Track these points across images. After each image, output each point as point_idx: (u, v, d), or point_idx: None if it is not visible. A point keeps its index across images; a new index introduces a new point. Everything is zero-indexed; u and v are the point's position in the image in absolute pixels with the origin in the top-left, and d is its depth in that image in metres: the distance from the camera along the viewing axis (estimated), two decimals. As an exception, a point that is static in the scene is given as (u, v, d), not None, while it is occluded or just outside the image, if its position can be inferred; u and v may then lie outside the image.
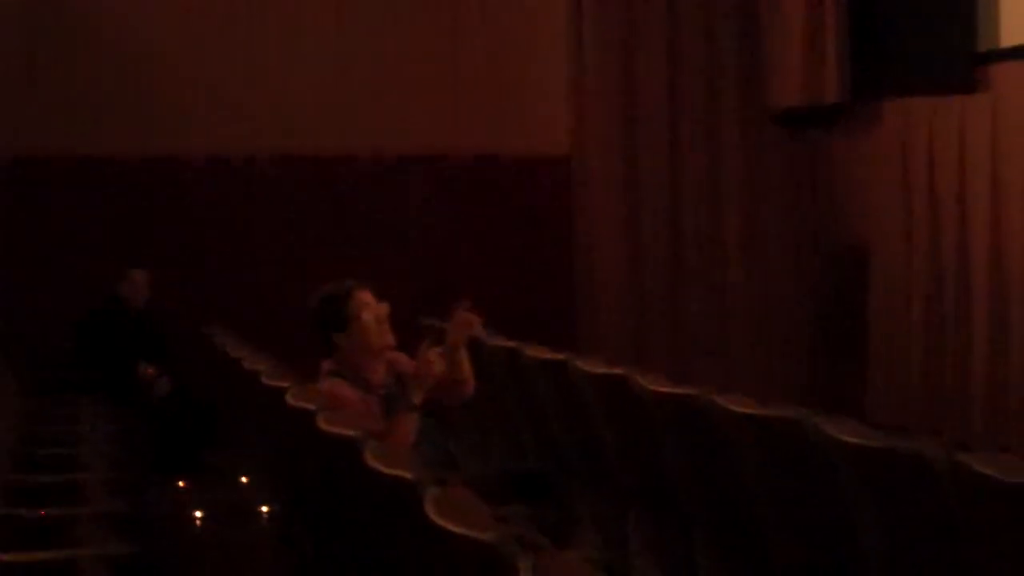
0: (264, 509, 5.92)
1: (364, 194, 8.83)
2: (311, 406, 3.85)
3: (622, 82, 9.00)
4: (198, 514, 6.31)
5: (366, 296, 4.49)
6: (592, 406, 4.91)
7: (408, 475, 2.87)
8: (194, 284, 8.39)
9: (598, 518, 5.02)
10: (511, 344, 5.74)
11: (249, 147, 8.65)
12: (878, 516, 3.36)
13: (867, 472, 3.33)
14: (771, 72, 8.87)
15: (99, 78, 8.48)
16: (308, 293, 4.64)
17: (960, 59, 8.01)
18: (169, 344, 7.77)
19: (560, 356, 5.20)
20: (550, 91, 9.01)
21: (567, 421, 5.23)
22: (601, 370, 4.80)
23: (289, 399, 4.07)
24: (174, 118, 8.55)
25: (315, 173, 8.75)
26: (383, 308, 4.51)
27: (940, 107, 8.13)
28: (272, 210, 8.72)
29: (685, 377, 7.19)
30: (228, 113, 8.61)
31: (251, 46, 8.68)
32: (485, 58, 8.96)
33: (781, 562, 3.88)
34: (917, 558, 3.29)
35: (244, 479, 6.58)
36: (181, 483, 6.96)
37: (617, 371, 4.68)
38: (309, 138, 8.67)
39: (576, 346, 8.02)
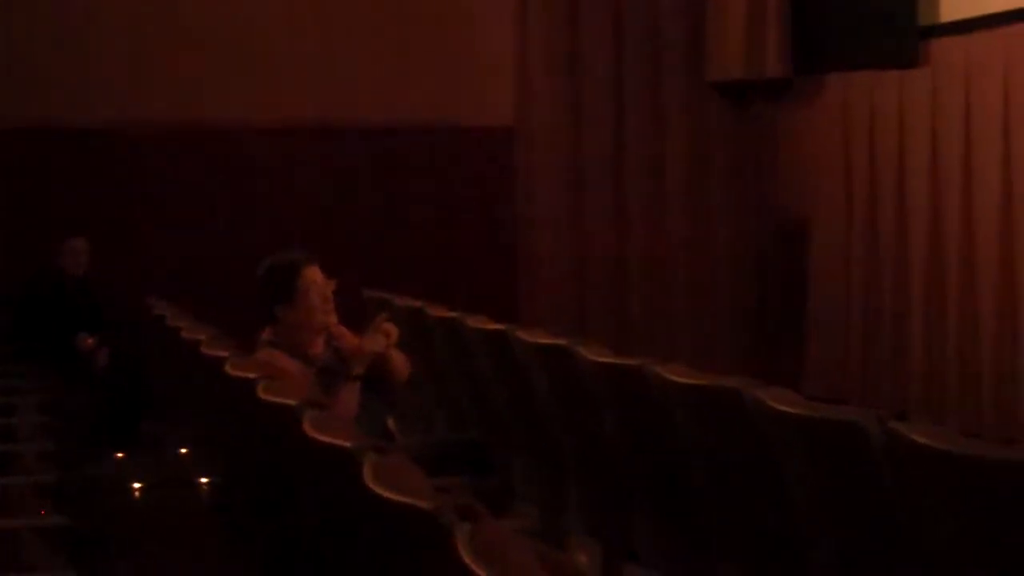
0: (203, 480, 5.90)
1: (309, 164, 8.78)
2: (251, 375, 3.83)
3: (567, 54, 8.99)
4: (136, 485, 6.28)
5: (315, 273, 4.48)
6: (533, 377, 4.92)
7: (347, 443, 2.86)
8: (134, 254, 8.32)
9: (538, 488, 5.04)
10: (453, 315, 5.74)
11: (192, 117, 8.57)
12: (813, 484, 3.39)
13: (803, 441, 3.35)
14: (714, 45, 8.89)
15: (34, 47, 8.37)
16: (251, 264, 4.61)
17: (901, 34, 8.07)
18: (108, 314, 7.71)
19: (501, 327, 5.21)
20: (495, 62, 8.99)
21: (508, 392, 5.24)
22: (542, 340, 4.81)
23: (228, 369, 4.05)
24: (114, 88, 8.45)
25: (259, 143, 8.69)
26: (330, 285, 4.50)
27: (881, 81, 8.18)
28: (214, 180, 8.66)
29: (627, 348, 7.22)
30: (172, 83, 8.52)
31: (194, 16, 8.60)
32: (431, 29, 8.92)
33: (718, 530, 3.91)
34: (851, 525, 3.32)
35: (183, 450, 6.55)
36: (119, 454, 6.92)
37: (558, 341, 4.69)
38: (255, 108, 8.60)
39: (518, 317, 8.04)
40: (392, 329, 4.58)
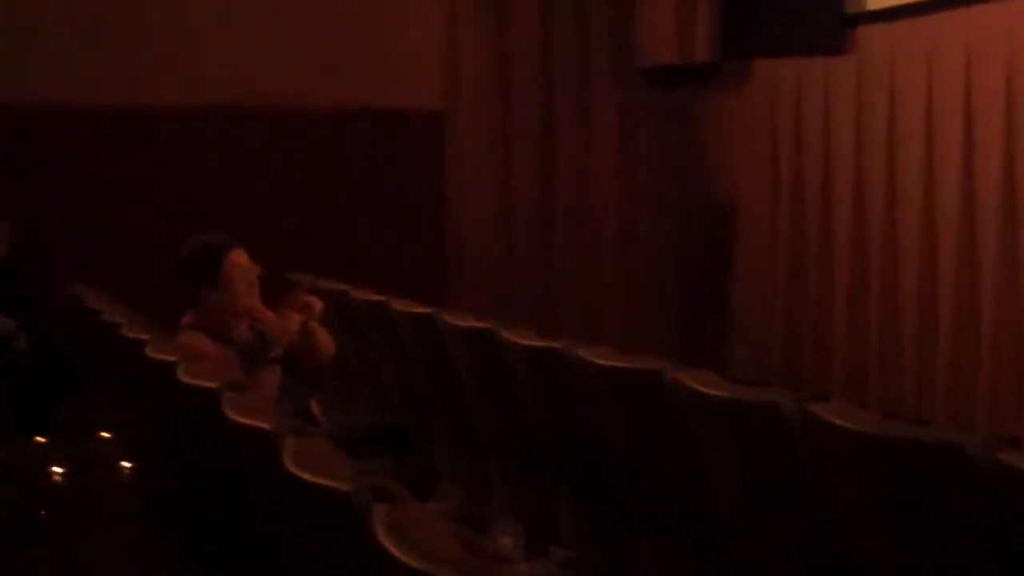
0: (125, 464, 5.85)
1: (235, 145, 8.70)
2: (171, 358, 3.81)
3: (496, 37, 8.98)
4: (57, 470, 6.21)
5: (240, 256, 4.46)
6: (458, 360, 4.92)
7: (266, 425, 2.85)
8: (56, 237, 8.21)
9: (462, 471, 5.05)
10: (379, 298, 5.72)
11: (115, 97, 8.45)
12: (733, 466, 3.42)
13: (723, 423, 3.38)
14: (643, 30, 8.91)
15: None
16: (176, 246, 4.58)
17: (828, 21, 8.13)
18: (29, 298, 7.61)
19: (427, 310, 5.21)
20: (424, 45, 8.96)
21: (433, 375, 5.23)
22: (467, 323, 4.82)
23: (149, 351, 4.01)
24: (32, 70, 8.31)
25: (184, 124, 8.59)
26: (255, 270, 4.48)
27: (808, 68, 8.24)
28: (138, 162, 8.55)
29: (554, 332, 7.23)
30: (95, 63, 8.40)
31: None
32: (359, 9, 8.86)
33: (640, 512, 3.93)
34: (771, 506, 3.35)
35: (104, 434, 6.48)
36: (40, 438, 6.84)
37: (483, 324, 4.70)
38: (179, 88, 8.50)
39: (446, 301, 8.02)
40: (314, 301, 4.57)
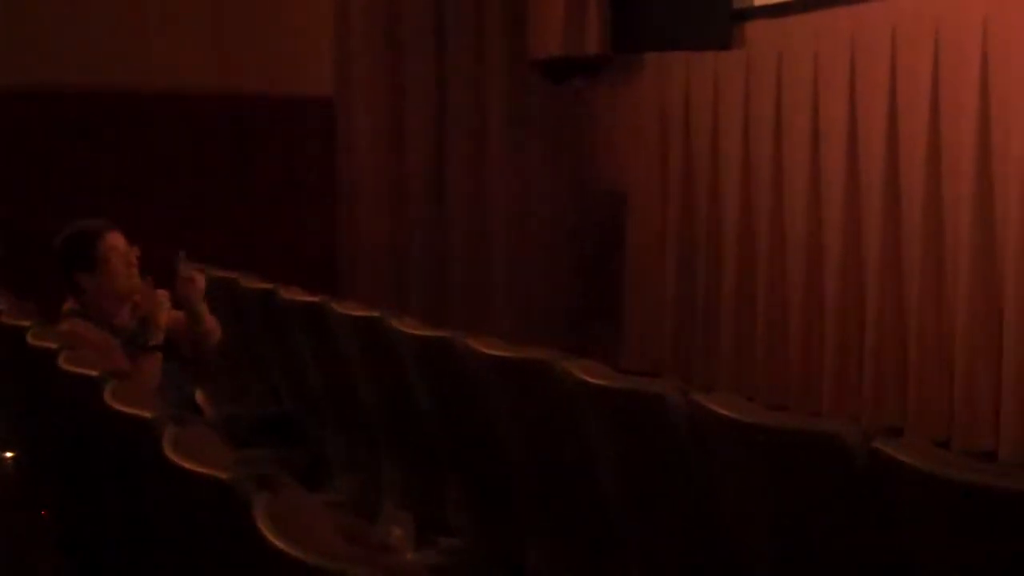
0: (8, 454, 5.73)
1: (121, 131, 8.56)
2: (52, 345, 3.75)
3: (387, 25, 8.95)
4: (-64, 460, 6.07)
5: (116, 239, 4.41)
6: (347, 349, 4.90)
7: (147, 414, 2.82)
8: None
9: (351, 462, 5.03)
10: (266, 286, 5.67)
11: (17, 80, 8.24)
12: (620, 457, 3.44)
13: (609, 413, 3.40)
14: (534, 21, 8.94)
15: None
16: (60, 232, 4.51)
17: (717, 16, 8.22)
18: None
19: (315, 299, 5.18)
20: (314, 30, 8.89)
21: (322, 364, 5.21)
22: (355, 312, 4.80)
23: (30, 339, 3.95)
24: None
25: (69, 108, 8.43)
26: (133, 252, 4.43)
27: (696, 62, 8.32)
28: (26, 146, 8.38)
29: (447, 320, 7.24)
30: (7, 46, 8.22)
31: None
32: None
33: (528, 502, 3.95)
34: (656, 497, 3.39)
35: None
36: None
37: (371, 313, 4.68)
38: (64, 71, 8.33)
39: (338, 290, 7.98)
40: (198, 276, 4.53)
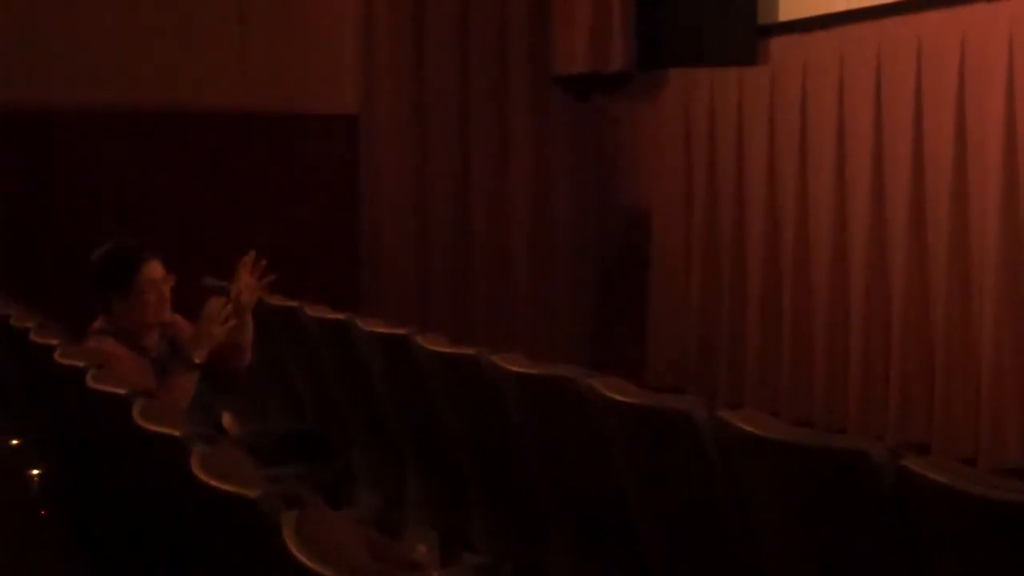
0: (34, 472, 5.75)
1: (147, 149, 8.58)
2: (80, 363, 3.77)
3: (412, 43, 8.97)
4: (-36, 478, 6.09)
5: (154, 269, 4.41)
6: (372, 366, 4.91)
7: (176, 432, 2.83)
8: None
9: (376, 478, 5.03)
10: (292, 304, 5.69)
11: (18, 97, 8.27)
12: (645, 473, 3.44)
13: (634, 430, 3.40)
14: (558, 38, 8.95)
15: None
16: (87, 253, 4.53)
17: (741, 31, 8.22)
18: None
19: (340, 316, 5.19)
20: (339, 51, 8.92)
21: (347, 382, 5.22)
22: (380, 330, 4.81)
23: (58, 357, 3.97)
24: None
25: (92, 126, 8.46)
26: (169, 281, 4.43)
27: (721, 78, 8.32)
28: (45, 166, 8.41)
29: (470, 338, 7.23)
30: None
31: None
32: (272, 12, 8.80)
33: (552, 519, 3.94)
34: (682, 513, 3.38)
35: (13, 441, 6.37)
36: (-53, 446, 6.71)
37: (397, 331, 4.69)
38: (85, 88, 8.36)
39: (362, 308, 7.99)
40: (253, 284, 4.51)
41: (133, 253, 4.40)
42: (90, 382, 3.54)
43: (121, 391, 3.33)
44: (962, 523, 2.56)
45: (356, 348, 5.00)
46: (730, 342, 8.16)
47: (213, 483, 2.44)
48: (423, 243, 9.01)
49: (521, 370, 3.88)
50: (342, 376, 5.24)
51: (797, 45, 7.87)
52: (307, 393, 5.70)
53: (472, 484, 4.36)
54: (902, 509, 2.71)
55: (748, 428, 3.01)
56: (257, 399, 6.08)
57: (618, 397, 3.42)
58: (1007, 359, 6.43)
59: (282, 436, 5.04)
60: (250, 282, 4.51)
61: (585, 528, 3.79)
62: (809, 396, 7.56)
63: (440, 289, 9.00)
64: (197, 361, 4.30)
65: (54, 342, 4.18)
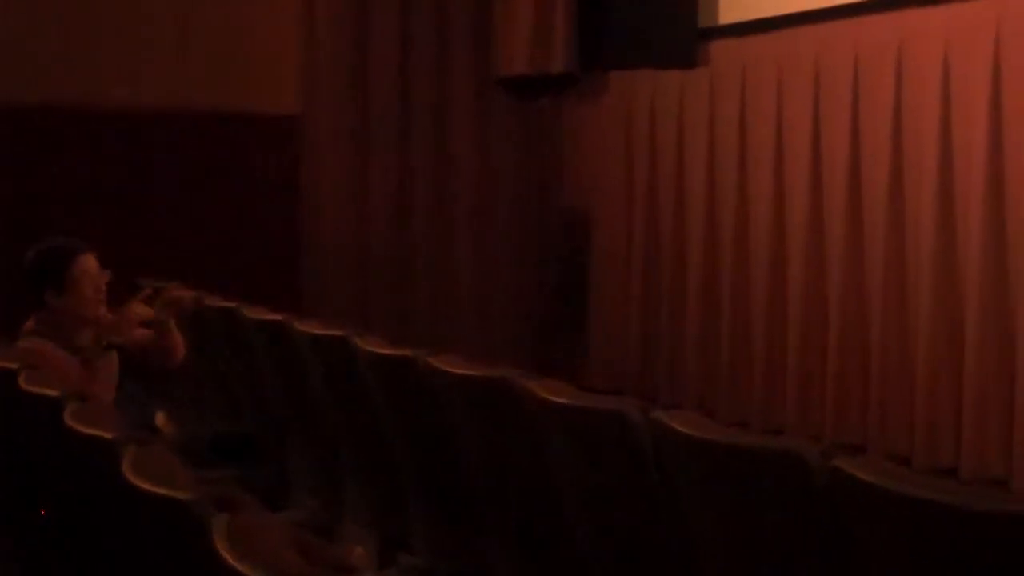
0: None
1: (84, 148, 8.51)
2: (12, 365, 3.73)
3: (353, 44, 8.95)
4: None
5: (89, 262, 4.38)
6: (310, 368, 4.89)
7: (107, 434, 2.81)
8: None
9: (313, 480, 5.01)
10: (230, 305, 5.65)
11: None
12: (581, 475, 3.44)
13: (570, 431, 3.40)
14: (500, 40, 8.96)
15: None
16: (18, 250, 4.48)
17: (682, 34, 8.25)
18: None
19: (278, 317, 5.16)
20: (280, 49, 8.88)
21: (285, 383, 5.19)
22: (318, 331, 4.78)
23: (-10, 358, 3.93)
24: None
25: (31, 124, 8.38)
26: (104, 277, 4.41)
27: (662, 79, 8.36)
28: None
29: (411, 340, 7.20)
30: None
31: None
32: (214, 12, 8.75)
33: (489, 520, 3.94)
34: (617, 515, 3.39)
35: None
36: None
37: (334, 332, 4.67)
38: (27, 88, 8.28)
39: (302, 309, 7.96)
40: (184, 297, 4.51)
41: (67, 248, 4.37)
42: (22, 384, 3.51)
43: (53, 393, 3.30)
44: (894, 523, 2.58)
45: (294, 349, 4.98)
46: (670, 343, 8.20)
47: (144, 486, 2.43)
48: (364, 244, 8.98)
49: (459, 372, 3.88)
50: (279, 377, 5.22)
51: (737, 48, 7.92)
52: (244, 394, 5.67)
53: (410, 486, 4.35)
54: (834, 509, 2.73)
55: (682, 429, 3.02)
56: (193, 400, 6.03)
57: (554, 399, 3.43)
58: (942, 360, 6.50)
59: (218, 437, 5.01)
60: (169, 299, 4.49)
61: (522, 530, 3.79)
62: (748, 397, 7.61)
63: (382, 290, 8.98)
64: (106, 343, 4.29)
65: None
